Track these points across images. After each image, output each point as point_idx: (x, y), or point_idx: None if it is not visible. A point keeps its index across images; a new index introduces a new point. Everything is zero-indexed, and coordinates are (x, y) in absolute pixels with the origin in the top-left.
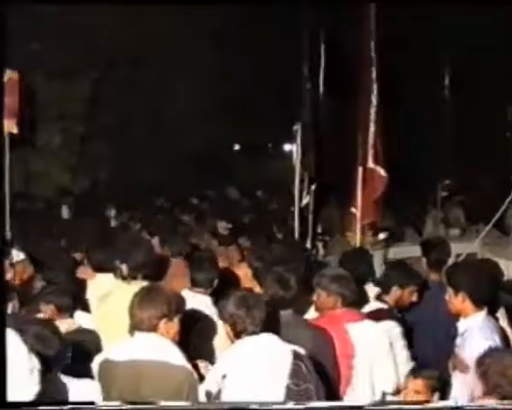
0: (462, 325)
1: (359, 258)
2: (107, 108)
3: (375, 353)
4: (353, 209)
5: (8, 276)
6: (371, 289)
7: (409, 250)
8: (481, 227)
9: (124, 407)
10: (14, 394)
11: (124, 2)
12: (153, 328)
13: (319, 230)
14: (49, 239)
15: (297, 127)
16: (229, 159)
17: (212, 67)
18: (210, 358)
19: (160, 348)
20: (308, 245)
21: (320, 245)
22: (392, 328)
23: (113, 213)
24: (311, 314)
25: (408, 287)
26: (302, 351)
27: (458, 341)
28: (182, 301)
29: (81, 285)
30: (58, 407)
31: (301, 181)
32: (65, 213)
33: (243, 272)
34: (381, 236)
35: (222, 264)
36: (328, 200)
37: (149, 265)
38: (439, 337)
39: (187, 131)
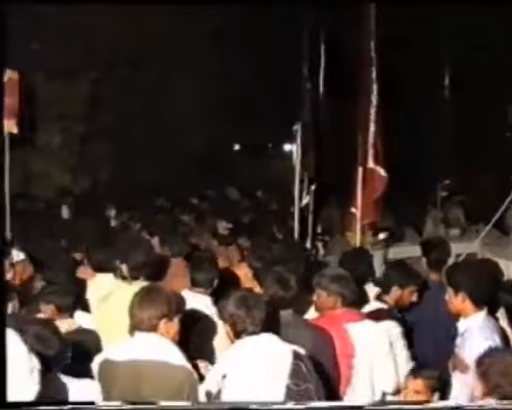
0: (462, 325)
1: (359, 258)
2: (107, 108)
3: (375, 353)
4: (353, 209)
5: (8, 276)
6: (371, 289)
7: (409, 250)
8: (481, 227)
9: (124, 407)
10: (14, 394)
11: (124, 2)
12: (153, 328)
13: (319, 230)
14: (50, 239)
15: (297, 127)
16: (229, 159)
17: (212, 67)
18: (210, 358)
19: (160, 348)
20: (308, 245)
21: (320, 245)
22: (392, 328)
23: (113, 213)
24: (311, 314)
25: (408, 287)
26: (302, 351)
27: (458, 341)
28: (182, 301)
29: (81, 285)
30: (58, 407)
31: (301, 181)
32: (65, 213)
33: (243, 272)
34: (381, 236)
35: (222, 264)
36: (328, 200)
37: (149, 265)
38: (439, 337)
39: (187, 132)
